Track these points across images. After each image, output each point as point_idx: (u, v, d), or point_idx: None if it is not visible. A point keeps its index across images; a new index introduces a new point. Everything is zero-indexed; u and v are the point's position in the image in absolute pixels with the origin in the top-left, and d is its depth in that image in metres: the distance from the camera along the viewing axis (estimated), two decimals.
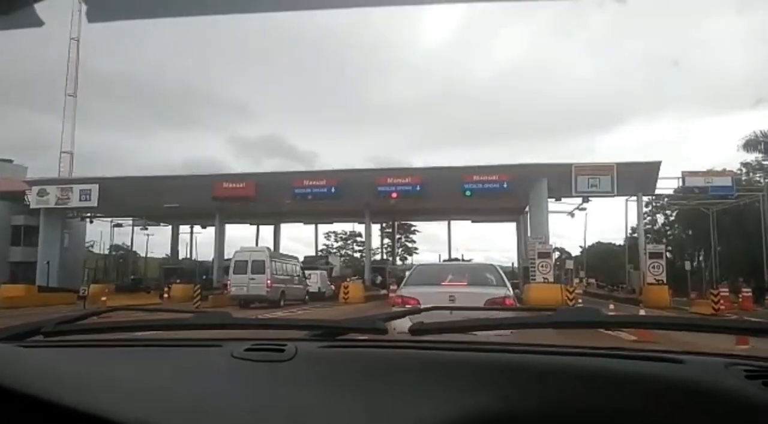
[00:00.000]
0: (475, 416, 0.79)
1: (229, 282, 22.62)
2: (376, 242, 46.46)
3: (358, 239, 53.95)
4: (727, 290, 21.80)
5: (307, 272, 27.96)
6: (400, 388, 0.86)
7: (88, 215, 35.52)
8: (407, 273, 8.81)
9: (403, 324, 1.20)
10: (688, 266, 32.35)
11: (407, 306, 6.15)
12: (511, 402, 0.82)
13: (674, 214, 44.06)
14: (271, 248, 35.62)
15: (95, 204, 30.84)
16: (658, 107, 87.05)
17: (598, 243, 60.92)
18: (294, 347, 0.98)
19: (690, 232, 41.18)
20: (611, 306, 13.67)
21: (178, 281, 29.23)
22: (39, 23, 0.90)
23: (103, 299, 16.91)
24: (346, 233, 58.29)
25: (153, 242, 46.43)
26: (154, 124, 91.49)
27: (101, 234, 43.57)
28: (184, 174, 31.17)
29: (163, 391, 0.83)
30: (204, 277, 32.12)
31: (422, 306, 6.59)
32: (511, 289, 7.23)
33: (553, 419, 0.80)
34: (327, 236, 58.56)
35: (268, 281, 21.76)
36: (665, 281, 24.45)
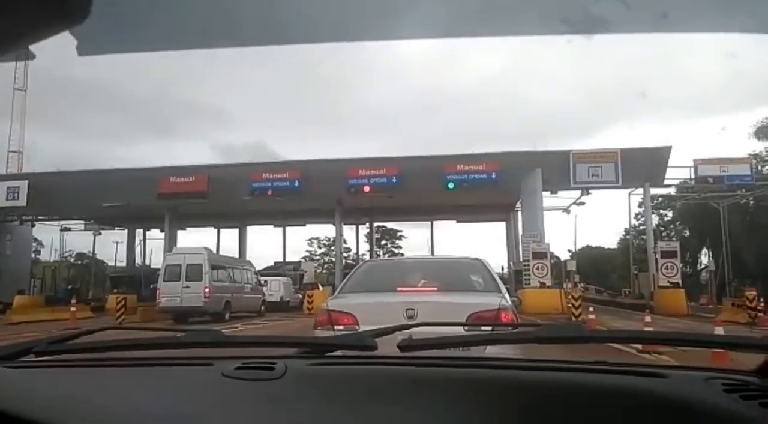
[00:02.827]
0: None
1: (158, 291, 18.50)
2: (361, 248, 42.84)
3: (344, 245, 51.23)
4: (754, 292, 18.51)
5: (265, 279, 24.14)
6: (390, 406, 0.87)
7: (29, 217, 31.74)
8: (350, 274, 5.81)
9: (393, 339, 1.16)
10: (700, 266, 29.13)
11: (337, 326, 4.55)
12: (496, 418, 0.83)
13: (671, 212, 41.42)
14: (236, 254, 31.92)
15: (24, 203, 26.81)
16: (650, 109, 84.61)
17: (587, 247, 58.73)
18: (284, 365, 0.99)
19: (692, 230, 38.05)
20: (647, 319, 10.16)
21: (115, 291, 25.35)
22: (31, 57, 0.79)
23: None
24: (329, 239, 55.45)
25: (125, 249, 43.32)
26: (128, 130, 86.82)
27: (65, 241, 40.12)
28: (126, 167, 26.92)
29: (155, 411, 0.84)
30: (152, 286, 28.23)
31: (361, 325, 4.48)
32: (507, 296, 4.73)
33: None
34: (310, 242, 56.49)
35: (207, 290, 17.71)
36: (681, 284, 21.10)
